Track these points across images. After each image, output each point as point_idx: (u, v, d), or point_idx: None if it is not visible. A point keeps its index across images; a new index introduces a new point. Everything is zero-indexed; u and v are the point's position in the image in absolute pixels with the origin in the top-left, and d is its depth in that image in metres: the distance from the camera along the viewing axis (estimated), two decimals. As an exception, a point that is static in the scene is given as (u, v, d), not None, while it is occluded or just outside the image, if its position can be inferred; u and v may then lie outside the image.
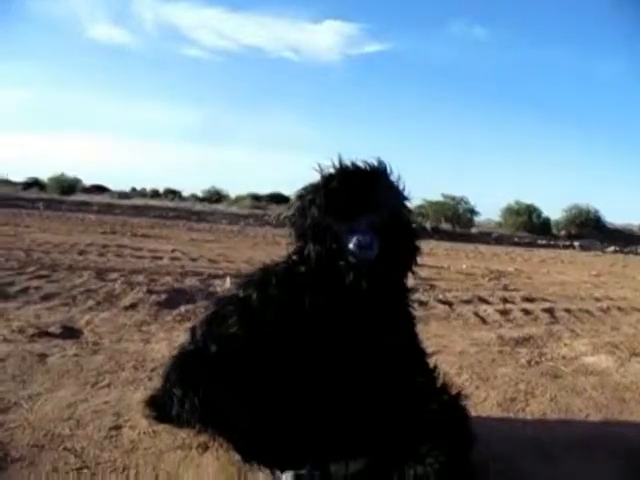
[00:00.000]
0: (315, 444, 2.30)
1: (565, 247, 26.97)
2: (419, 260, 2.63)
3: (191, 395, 2.46)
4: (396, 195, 2.54)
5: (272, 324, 2.46)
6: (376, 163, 2.52)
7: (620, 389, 4.09)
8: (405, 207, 2.59)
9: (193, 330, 2.81)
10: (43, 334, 4.47)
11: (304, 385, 2.35)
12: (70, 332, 4.63)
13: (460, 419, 2.34)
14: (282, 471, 2.32)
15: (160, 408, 2.79)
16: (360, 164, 2.50)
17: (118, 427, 2.86)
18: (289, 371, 2.38)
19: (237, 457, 2.50)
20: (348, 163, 2.52)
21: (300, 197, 2.57)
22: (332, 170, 2.53)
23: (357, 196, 2.40)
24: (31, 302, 5.71)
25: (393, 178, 2.54)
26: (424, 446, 2.20)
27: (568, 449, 2.95)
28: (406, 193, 2.59)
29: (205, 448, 2.65)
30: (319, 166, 2.55)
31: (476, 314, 6.81)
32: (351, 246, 2.34)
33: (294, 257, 2.54)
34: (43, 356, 3.91)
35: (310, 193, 2.52)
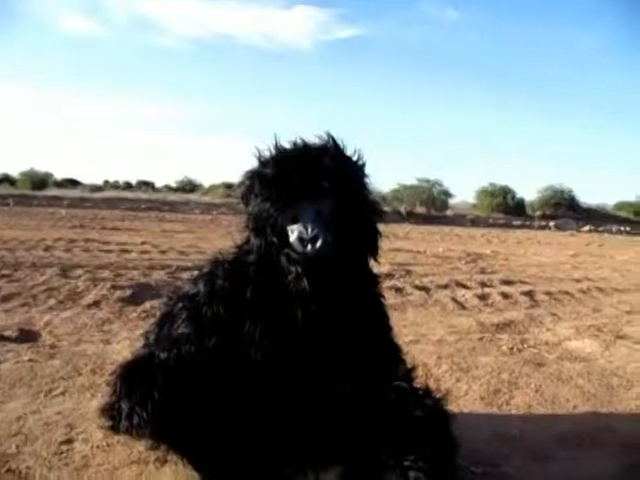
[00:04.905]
0: (279, 456, 2.08)
1: (541, 228, 26.98)
2: (380, 245, 2.31)
3: (138, 409, 2.18)
4: (348, 175, 2.19)
5: (220, 320, 2.20)
6: (322, 140, 2.20)
7: (607, 375, 3.93)
8: (361, 187, 2.25)
9: (146, 334, 2.57)
10: (-2, 339, 4.20)
11: (262, 391, 2.11)
12: (27, 335, 4.35)
13: (445, 426, 2.10)
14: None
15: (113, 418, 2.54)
16: (300, 143, 2.20)
17: (70, 441, 2.62)
18: (243, 375, 2.13)
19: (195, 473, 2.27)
20: (287, 143, 2.21)
21: (239, 185, 2.29)
22: (268, 153, 2.21)
23: (297, 181, 2.08)
24: (-12, 304, 5.42)
25: (344, 155, 2.22)
26: (407, 457, 1.98)
27: (557, 446, 2.76)
28: (365, 169, 2.27)
29: (163, 462, 2.42)
30: (257, 150, 2.23)
31: (454, 299, 6.64)
32: (292, 239, 2.06)
33: (244, 246, 2.27)
34: (-5, 363, 3.64)
35: (247, 180, 2.23)
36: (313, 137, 2.23)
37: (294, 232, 2.05)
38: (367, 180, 2.28)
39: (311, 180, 2.08)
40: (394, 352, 2.35)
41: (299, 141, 2.20)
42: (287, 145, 2.21)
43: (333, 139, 2.20)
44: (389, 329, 2.40)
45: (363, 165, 2.26)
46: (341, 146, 2.21)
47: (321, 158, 2.12)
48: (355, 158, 2.24)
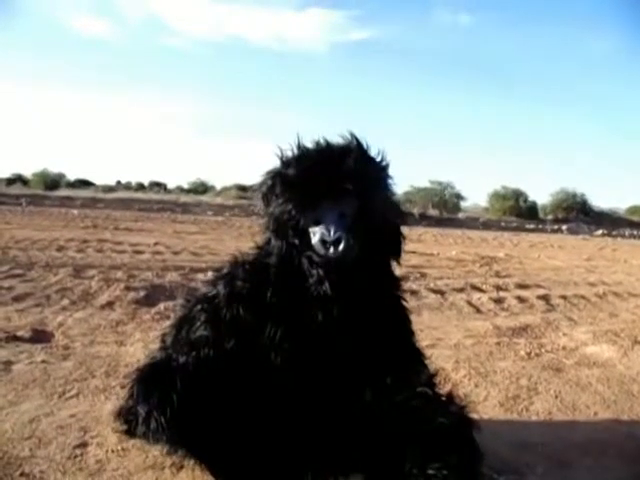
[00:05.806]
0: (299, 463, 2.03)
1: (553, 231, 26.84)
2: (404, 248, 2.28)
3: (156, 414, 2.13)
4: (372, 176, 2.14)
5: (240, 323, 2.16)
6: (345, 140, 2.15)
7: (626, 382, 3.86)
8: (385, 188, 2.20)
9: (163, 337, 2.52)
10: (11, 339, 4.16)
11: (282, 396, 2.06)
12: (40, 336, 4.31)
13: (469, 434, 2.04)
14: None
15: (129, 422, 2.50)
16: (322, 143, 2.14)
17: (84, 445, 2.58)
18: (263, 379, 2.08)
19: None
20: (310, 144, 2.15)
21: (260, 185, 2.23)
22: (290, 153, 2.16)
23: (320, 182, 2.03)
24: (2, 303, 5.38)
25: (368, 155, 2.17)
26: (431, 465, 1.92)
27: (579, 454, 2.70)
28: (388, 170, 2.21)
29: (180, 467, 2.37)
30: (280, 150, 2.18)
31: (469, 303, 6.57)
32: (314, 242, 2.01)
33: (265, 247, 2.22)
34: (8, 364, 3.61)
35: (269, 180, 2.17)
36: (336, 137, 2.17)
37: (316, 234, 2.00)
38: (390, 181, 2.23)
39: (334, 181, 2.02)
40: (416, 357, 2.29)
41: (322, 141, 2.14)
42: (309, 145, 2.15)
43: (357, 139, 2.14)
44: (411, 333, 2.35)
45: (387, 166, 2.21)
46: (364, 146, 2.15)
47: (344, 159, 2.06)
48: (379, 159, 2.19)
